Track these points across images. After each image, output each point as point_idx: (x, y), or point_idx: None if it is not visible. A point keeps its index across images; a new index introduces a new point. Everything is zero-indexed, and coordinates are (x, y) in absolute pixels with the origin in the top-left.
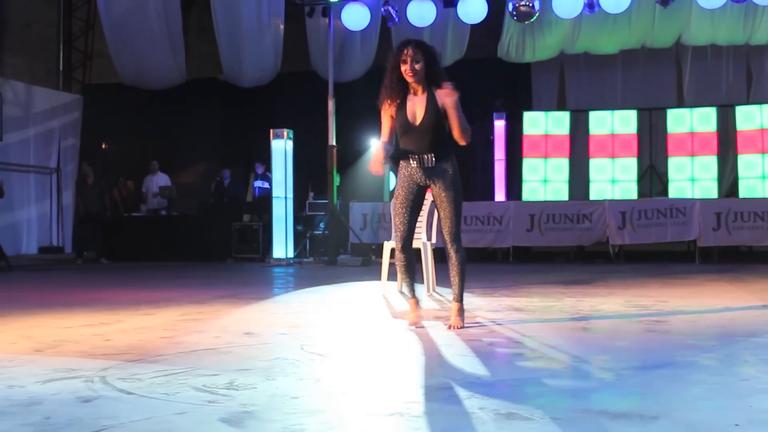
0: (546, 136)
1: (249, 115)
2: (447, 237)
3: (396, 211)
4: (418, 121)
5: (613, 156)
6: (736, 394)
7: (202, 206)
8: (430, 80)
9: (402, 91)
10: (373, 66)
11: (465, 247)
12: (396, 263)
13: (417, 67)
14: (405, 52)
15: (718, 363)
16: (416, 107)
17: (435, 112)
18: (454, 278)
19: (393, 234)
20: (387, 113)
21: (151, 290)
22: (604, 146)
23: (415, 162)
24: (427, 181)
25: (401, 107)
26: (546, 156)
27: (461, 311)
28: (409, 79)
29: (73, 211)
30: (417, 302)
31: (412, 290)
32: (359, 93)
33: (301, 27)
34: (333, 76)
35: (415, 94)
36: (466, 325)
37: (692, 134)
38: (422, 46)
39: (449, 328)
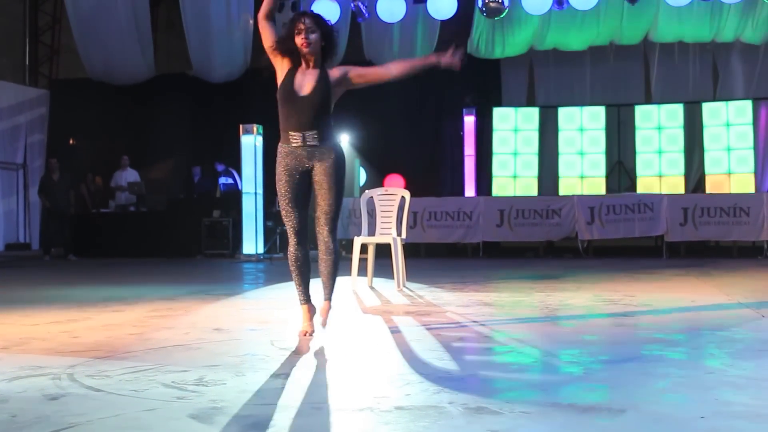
0: (515, 132)
1: (219, 111)
2: (324, 223)
3: (284, 208)
4: (306, 91)
5: (581, 152)
6: (702, 387)
7: (171, 202)
8: (324, 57)
9: (295, 61)
10: (343, 61)
11: (434, 242)
12: (290, 265)
13: (313, 37)
14: (301, 21)
15: (684, 356)
16: (306, 78)
17: (325, 89)
18: (327, 272)
19: (288, 233)
20: (279, 62)
21: (119, 287)
22: (573, 142)
23: (297, 140)
24: (309, 163)
25: (290, 74)
26: (515, 152)
27: (329, 311)
28: (304, 50)
29: (40, 208)
30: (310, 309)
31: (306, 295)
32: None
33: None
34: None
35: (305, 69)
36: (435, 321)
37: (660, 130)
38: (319, 19)
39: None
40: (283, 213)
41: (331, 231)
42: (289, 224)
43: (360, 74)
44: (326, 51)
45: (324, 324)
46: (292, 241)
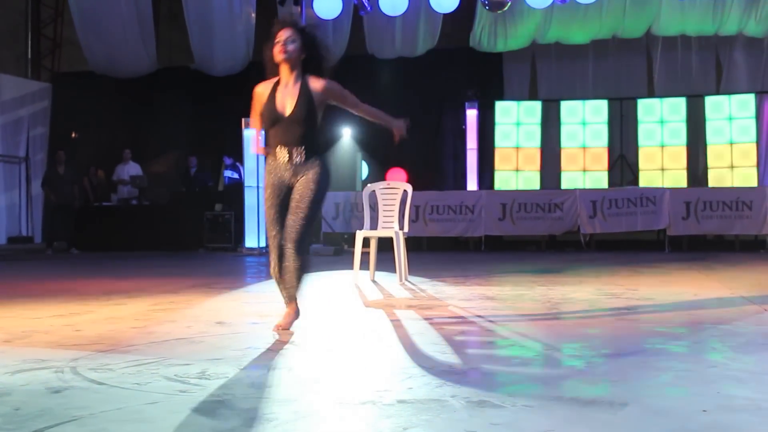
0: (518, 126)
1: (221, 104)
2: (290, 234)
3: (267, 217)
4: (288, 111)
5: (584, 145)
6: (705, 381)
7: (173, 195)
8: (307, 68)
9: (275, 75)
10: (345, 55)
11: (437, 236)
12: (273, 273)
13: (290, 47)
14: (281, 31)
15: (686, 350)
16: (287, 97)
17: (308, 103)
18: (288, 278)
19: (269, 242)
20: (258, 101)
21: (122, 280)
22: (575, 136)
23: (283, 156)
24: (293, 179)
25: (271, 95)
26: (518, 145)
27: (297, 313)
28: (279, 57)
29: (43, 201)
30: (295, 308)
31: (288, 297)
32: None
33: (273, 15)
34: None
35: (286, 85)
36: (437, 314)
37: (662, 124)
38: (301, 29)
39: (275, 328)
40: (267, 228)
41: (296, 244)
42: (272, 241)
43: (341, 96)
44: (309, 63)
45: (284, 326)
46: (273, 256)
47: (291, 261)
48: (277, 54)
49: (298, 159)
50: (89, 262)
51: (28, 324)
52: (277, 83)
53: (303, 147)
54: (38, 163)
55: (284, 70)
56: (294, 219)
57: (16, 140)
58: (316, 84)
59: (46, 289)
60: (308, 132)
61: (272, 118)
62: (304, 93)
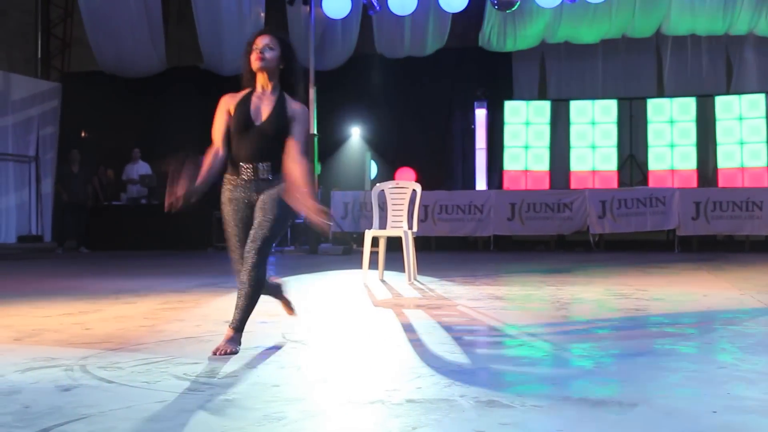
0: (527, 125)
1: None
2: (251, 241)
3: (230, 244)
4: (263, 117)
5: (593, 145)
6: (714, 382)
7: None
8: (284, 81)
9: (250, 87)
10: (354, 55)
11: (445, 236)
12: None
13: (268, 55)
14: (259, 38)
15: (696, 351)
16: (262, 104)
17: (284, 115)
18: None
19: (234, 267)
20: (224, 108)
21: (131, 279)
22: (584, 135)
23: (247, 173)
24: (256, 196)
25: (244, 102)
26: (527, 145)
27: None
28: (256, 65)
29: (53, 200)
30: (235, 333)
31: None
32: (340, 81)
33: (282, 15)
34: (314, 65)
35: (263, 92)
36: (446, 314)
37: (672, 124)
38: (281, 38)
39: (214, 353)
40: (230, 249)
41: (257, 253)
42: (237, 266)
43: (300, 130)
44: (285, 76)
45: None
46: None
47: (246, 276)
48: (254, 61)
49: (264, 175)
50: (98, 261)
51: (37, 322)
52: (251, 93)
53: (270, 164)
54: (48, 163)
55: (261, 79)
56: (256, 232)
57: (26, 140)
58: (295, 103)
59: (56, 287)
60: (278, 147)
61: (243, 124)
62: (281, 104)
